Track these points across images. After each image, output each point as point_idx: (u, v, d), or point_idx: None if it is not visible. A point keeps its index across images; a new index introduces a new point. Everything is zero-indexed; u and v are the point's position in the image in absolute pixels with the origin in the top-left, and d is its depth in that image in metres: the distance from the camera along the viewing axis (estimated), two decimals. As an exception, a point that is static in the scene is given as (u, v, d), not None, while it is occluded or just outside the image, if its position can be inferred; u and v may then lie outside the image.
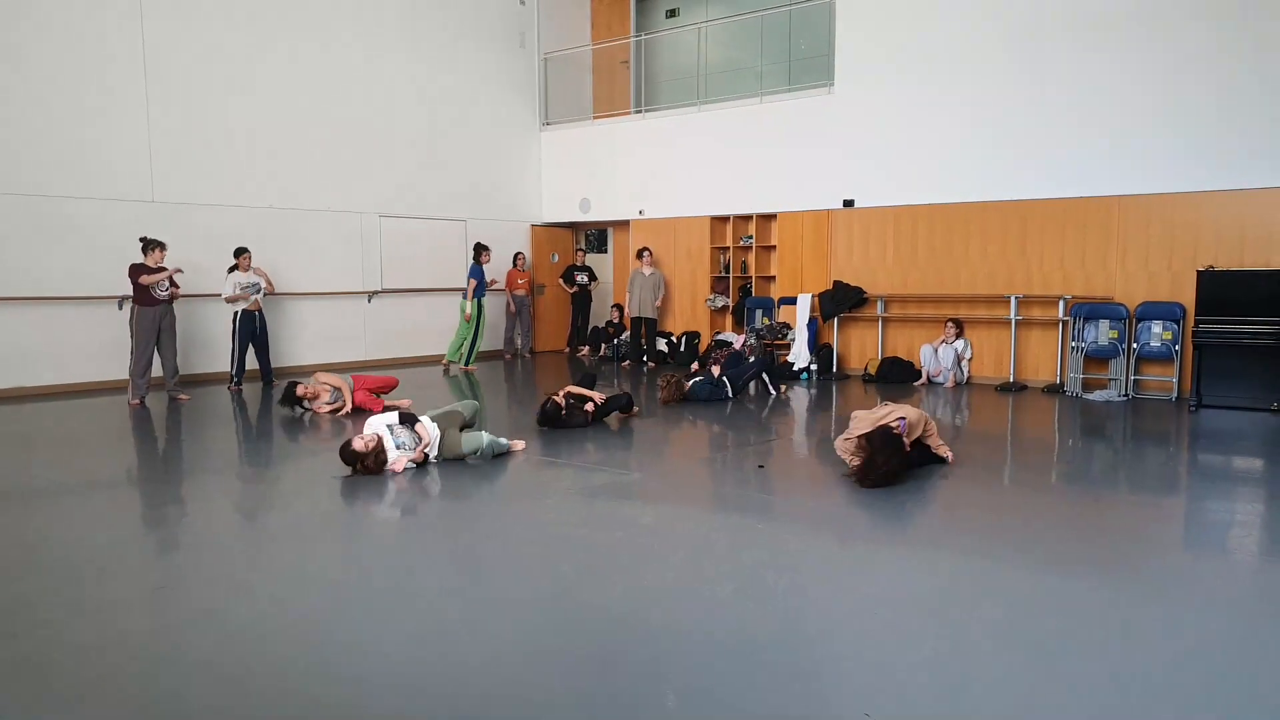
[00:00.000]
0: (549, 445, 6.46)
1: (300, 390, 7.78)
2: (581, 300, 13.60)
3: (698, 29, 12.88)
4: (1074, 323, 9.24)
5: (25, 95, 8.87)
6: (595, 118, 13.71)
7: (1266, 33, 8.26)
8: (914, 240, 10.48)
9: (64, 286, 9.13)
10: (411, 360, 11.99)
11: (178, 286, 8.73)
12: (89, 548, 4.16)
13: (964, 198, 10.04)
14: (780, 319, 11.24)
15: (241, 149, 10.43)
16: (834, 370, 10.83)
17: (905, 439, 5.31)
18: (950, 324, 9.92)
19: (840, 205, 10.99)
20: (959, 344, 9.92)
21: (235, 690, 2.74)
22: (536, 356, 13.11)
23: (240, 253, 9.57)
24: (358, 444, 5.42)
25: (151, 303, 8.50)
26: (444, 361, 11.59)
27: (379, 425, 5.66)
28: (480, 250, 11.53)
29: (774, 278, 11.92)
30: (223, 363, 9.81)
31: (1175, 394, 8.71)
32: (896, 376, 10.17)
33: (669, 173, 12.46)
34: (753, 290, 12.05)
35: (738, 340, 11.43)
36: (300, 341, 11.03)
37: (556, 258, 14.10)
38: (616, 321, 13.05)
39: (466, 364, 11.36)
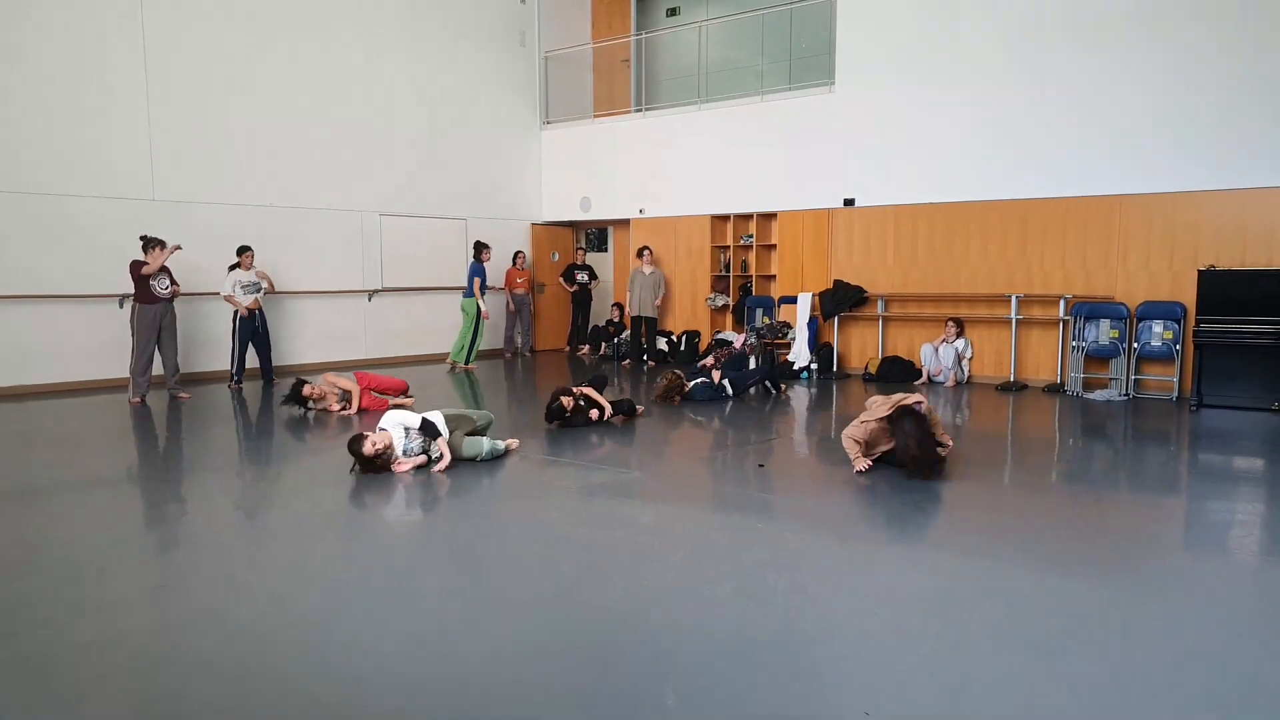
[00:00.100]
0: (549, 444, 6.46)
1: (307, 390, 7.77)
2: (582, 299, 13.61)
3: (698, 27, 12.88)
4: (1075, 322, 9.24)
5: (25, 94, 8.87)
6: (596, 116, 13.71)
7: (1266, 33, 8.25)
8: (914, 239, 10.48)
9: (65, 285, 9.13)
10: (412, 359, 11.99)
11: (178, 285, 8.74)
12: (89, 547, 4.16)
13: (965, 197, 10.04)
14: (780, 318, 11.24)
15: (242, 148, 10.43)
16: (834, 369, 10.83)
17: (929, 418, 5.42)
18: (951, 323, 9.92)
19: (841, 204, 10.98)
20: (959, 343, 9.92)
21: (235, 690, 2.74)
22: (537, 355, 13.11)
23: (243, 251, 9.58)
24: (367, 447, 5.37)
25: (152, 301, 8.50)
26: (449, 361, 11.58)
27: (395, 425, 5.55)
28: (481, 248, 11.54)
29: (774, 277, 11.91)
30: (223, 361, 9.81)
31: (1176, 394, 8.71)
32: (897, 376, 10.17)
33: (669, 172, 12.46)
34: (753, 289, 12.05)
35: (738, 339, 11.44)
36: (301, 340, 11.04)
37: (557, 256, 14.10)
38: (617, 320, 13.05)
39: (466, 362, 11.37)
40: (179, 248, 8.59)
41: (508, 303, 12.91)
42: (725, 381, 8.66)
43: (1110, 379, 9.15)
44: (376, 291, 11.86)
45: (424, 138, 12.27)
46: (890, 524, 4.64)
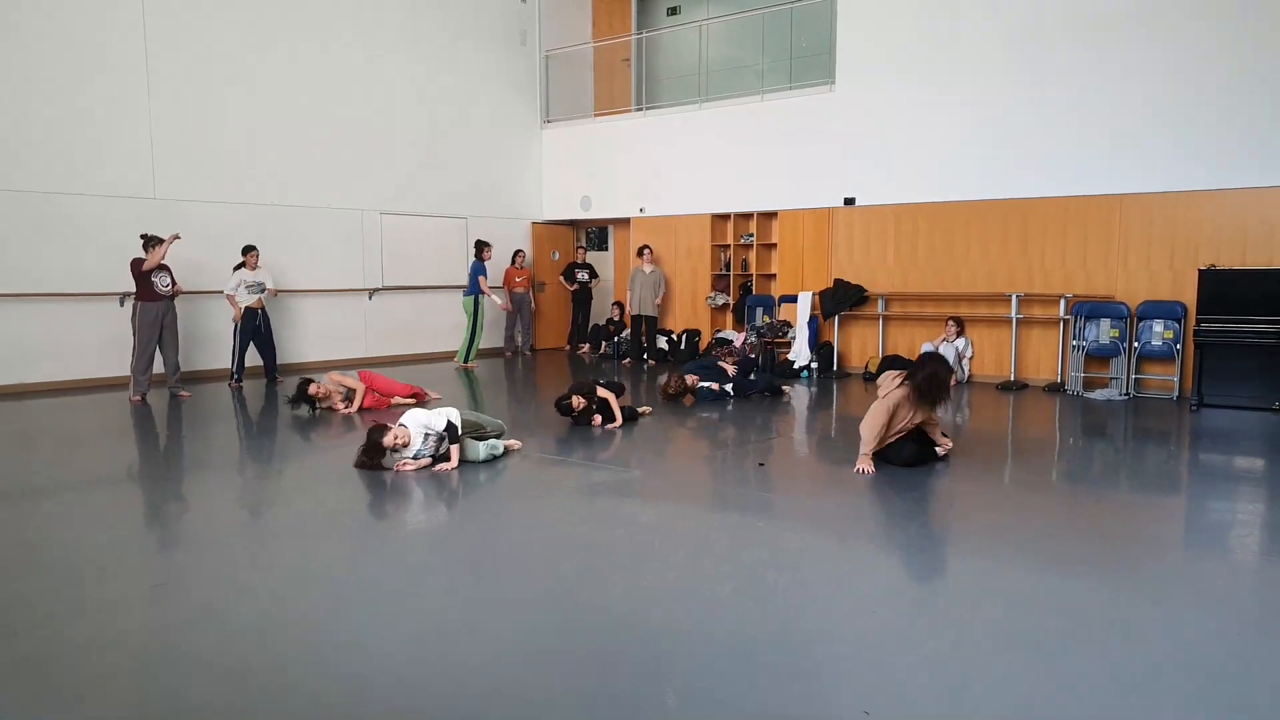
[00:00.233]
0: (550, 443, 6.46)
1: (313, 390, 7.78)
2: (582, 298, 13.60)
3: (699, 27, 12.87)
4: (1075, 321, 9.23)
5: (26, 93, 8.87)
6: (596, 115, 13.70)
7: (1266, 33, 8.24)
8: (915, 238, 10.48)
9: (65, 283, 9.13)
10: (412, 358, 12.00)
11: (179, 285, 8.74)
12: (89, 545, 4.16)
13: (965, 196, 10.04)
14: (781, 317, 11.24)
15: (243, 147, 10.43)
16: (834, 368, 10.83)
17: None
18: (951, 322, 9.92)
19: (841, 203, 10.98)
20: (960, 342, 9.92)
21: (235, 688, 2.74)
22: (537, 354, 13.11)
23: (248, 250, 9.59)
24: (388, 438, 5.36)
25: (154, 299, 8.50)
26: (456, 360, 11.58)
27: (417, 426, 5.50)
28: (482, 247, 11.56)
29: (775, 276, 11.91)
30: (224, 360, 9.81)
31: (1176, 393, 8.71)
32: (897, 375, 10.15)
33: (670, 171, 12.46)
34: (753, 288, 12.05)
35: (738, 338, 11.44)
36: (301, 339, 11.04)
37: (557, 255, 14.10)
38: (617, 319, 13.05)
39: (465, 361, 11.37)
40: (178, 237, 8.59)
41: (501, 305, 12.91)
42: (730, 385, 8.62)
43: (1111, 378, 9.15)
44: (377, 290, 11.86)
45: (424, 137, 12.26)
46: (890, 524, 4.64)
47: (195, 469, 6.03)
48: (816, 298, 10.94)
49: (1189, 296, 8.59)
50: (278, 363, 10.05)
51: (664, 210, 12.64)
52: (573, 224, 14.29)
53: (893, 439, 5.52)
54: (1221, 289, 8.10)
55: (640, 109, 13.25)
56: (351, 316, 11.66)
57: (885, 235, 10.70)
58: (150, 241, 8.46)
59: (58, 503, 5.04)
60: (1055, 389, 9.33)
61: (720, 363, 8.95)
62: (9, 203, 8.80)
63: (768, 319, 11.31)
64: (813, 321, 10.86)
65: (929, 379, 5.38)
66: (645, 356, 11.98)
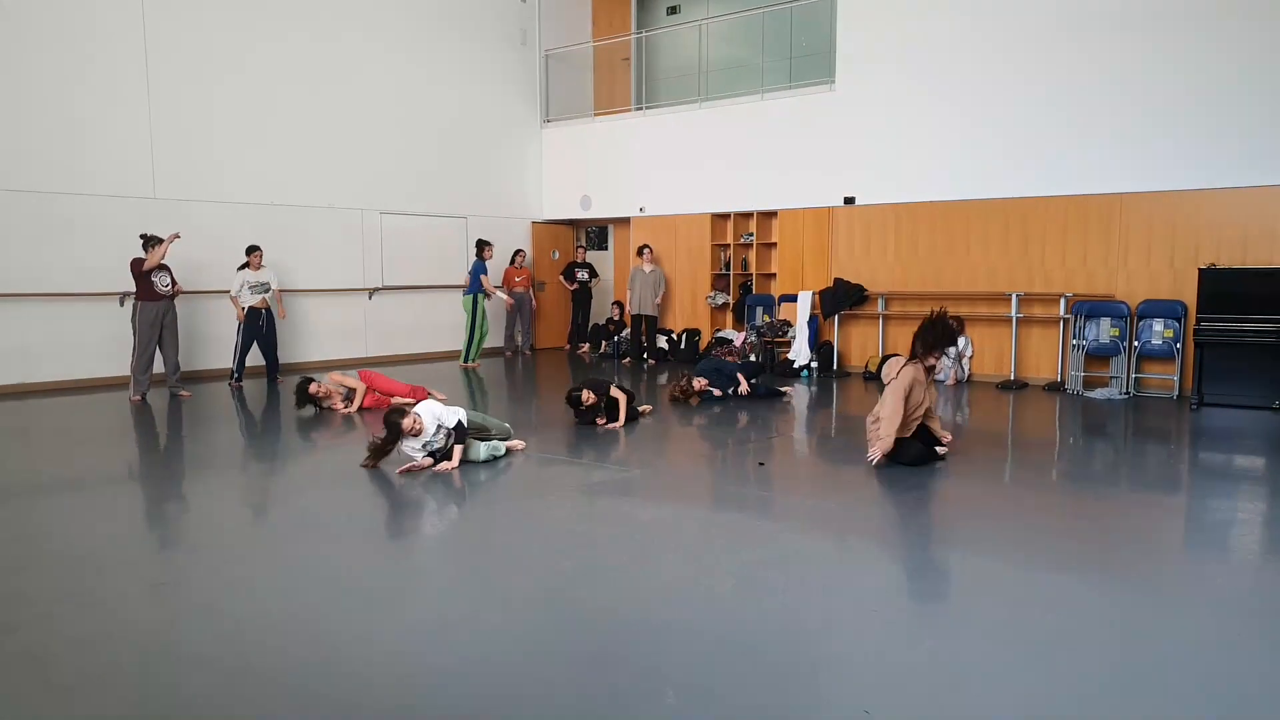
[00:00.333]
0: (550, 442, 6.46)
1: (314, 389, 7.78)
2: (582, 297, 13.60)
3: (699, 26, 12.87)
4: (1075, 320, 9.23)
5: (26, 92, 8.86)
6: (596, 115, 13.70)
7: (1267, 33, 8.24)
8: (915, 238, 10.48)
9: (66, 283, 9.13)
10: (412, 357, 12.00)
11: (179, 284, 8.74)
12: (90, 544, 4.16)
13: (965, 195, 10.04)
14: (781, 316, 11.24)
15: (243, 146, 10.42)
16: (835, 368, 10.83)
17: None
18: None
19: (841, 203, 10.98)
20: (960, 341, 9.91)
21: (234, 685, 2.74)
22: (537, 354, 13.11)
23: (251, 251, 9.58)
24: (407, 422, 5.34)
25: (154, 298, 8.50)
26: (462, 365, 11.58)
27: (430, 416, 5.49)
28: (483, 246, 11.55)
29: (775, 275, 11.91)
30: (225, 360, 9.81)
31: (1176, 392, 8.71)
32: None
33: (670, 170, 12.45)
34: (753, 287, 12.04)
35: (738, 338, 11.44)
36: (302, 338, 11.04)
37: (557, 255, 14.10)
38: (617, 319, 13.05)
39: (467, 360, 11.37)
40: (177, 236, 8.58)
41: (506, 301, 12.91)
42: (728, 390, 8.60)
43: (1111, 377, 9.15)
44: (377, 289, 11.86)
45: (424, 136, 12.26)
46: (890, 523, 4.65)
47: (195, 468, 6.03)
48: (816, 297, 10.94)
49: (1189, 296, 8.59)
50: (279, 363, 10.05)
51: (664, 209, 12.63)
52: (572, 223, 14.29)
53: (912, 429, 5.54)
54: (1221, 288, 8.10)
55: (640, 108, 13.25)
56: (351, 316, 11.65)
57: (885, 234, 10.70)
58: (150, 241, 8.46)
59: (59, 500, 5.04)
60: (1055, 388, 9.33)
61: (736, 373, 8.78)
62: (10, 203, 8.80)
63: (768, 318, 11.31)
64: (813, 321, 10.86)
65: (933, 327, 5.46)
66: (645, 356, 11.98)
